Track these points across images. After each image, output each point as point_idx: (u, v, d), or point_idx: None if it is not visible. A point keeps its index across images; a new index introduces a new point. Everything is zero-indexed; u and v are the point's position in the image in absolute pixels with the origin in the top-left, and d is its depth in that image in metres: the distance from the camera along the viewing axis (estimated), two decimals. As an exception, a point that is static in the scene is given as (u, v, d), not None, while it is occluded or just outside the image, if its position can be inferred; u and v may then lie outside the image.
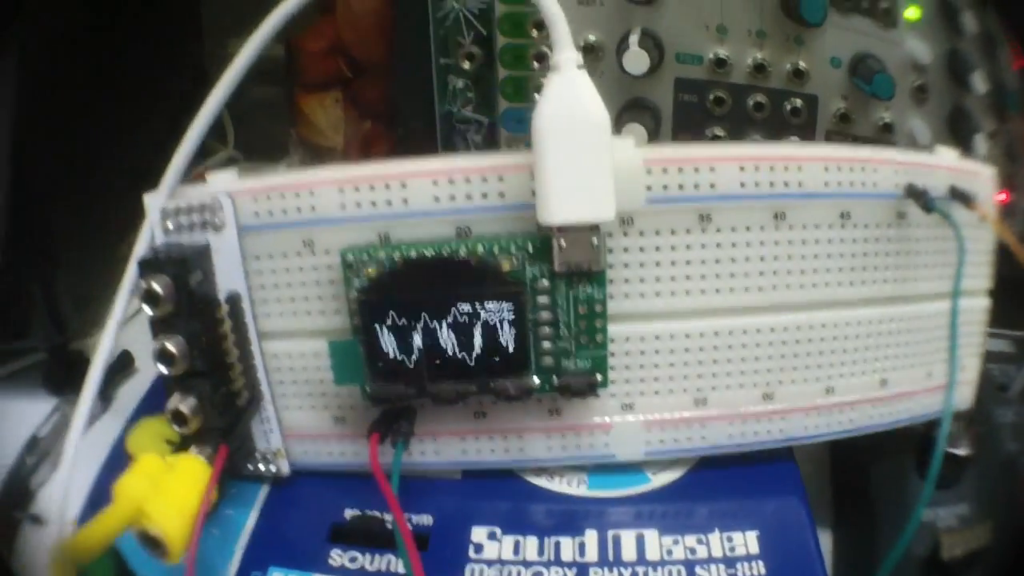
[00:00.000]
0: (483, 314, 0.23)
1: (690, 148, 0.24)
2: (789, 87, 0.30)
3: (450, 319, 0.23)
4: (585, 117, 0.22)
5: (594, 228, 0.22)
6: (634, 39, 0.29)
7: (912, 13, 0.32)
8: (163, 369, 0.24)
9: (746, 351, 0.25)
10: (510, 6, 0.29)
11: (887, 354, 0.27)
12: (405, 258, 0.23)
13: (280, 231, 0.24)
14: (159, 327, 0.24)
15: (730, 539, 0.24)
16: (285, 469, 0.26)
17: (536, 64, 0.29)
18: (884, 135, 0.32)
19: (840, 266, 0.26)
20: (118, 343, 0.33)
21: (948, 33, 0.32)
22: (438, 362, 0.23)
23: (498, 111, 0.29)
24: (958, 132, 0.33)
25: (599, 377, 0.23)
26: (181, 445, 0.25)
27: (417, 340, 0.23)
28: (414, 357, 0.23)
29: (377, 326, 0.23)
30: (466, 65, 0.29)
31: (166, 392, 0.25)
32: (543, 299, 0.23)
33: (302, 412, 0.25)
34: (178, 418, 0.24)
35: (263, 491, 0.26)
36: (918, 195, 0.25)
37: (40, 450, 0.32)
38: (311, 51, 0.32)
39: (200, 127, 0.25)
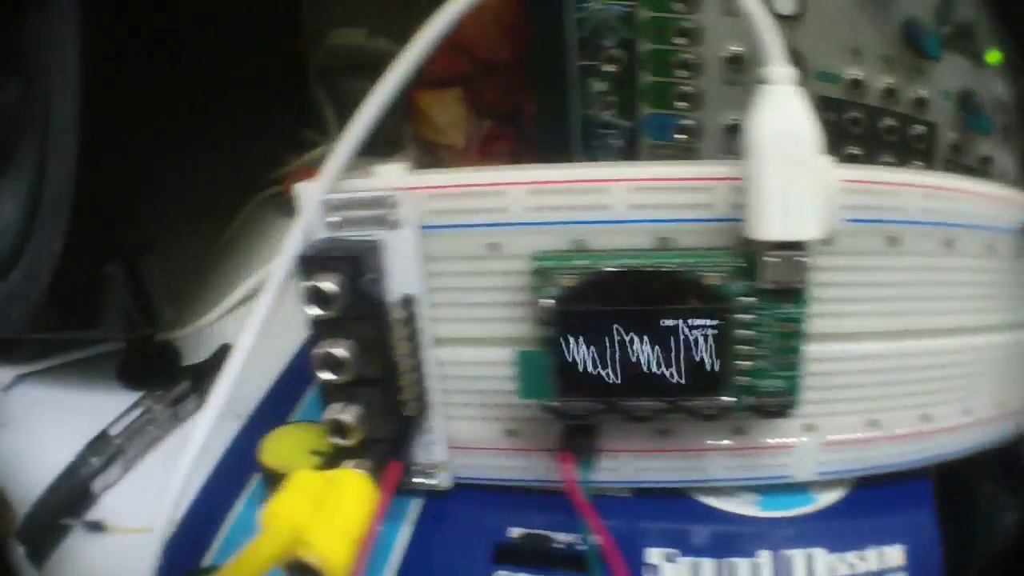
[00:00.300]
0: (685, 330, 0.22)
1: (881, 171, 0.24)
2: (913, 114, 0.30)
3: (650, 334, 0.22)
4: (801, 134, 0.21)
5: (801, 246, 0.22)
6: None
7: (993, 56, 0.32)
8: (328, 376, 0.22)
9: (914, 373, 0.25)
10: (654, 12, 0.27)
11: (1007, 376, 0.28)
12: (605, 268, 0.22)
13: (463, 232, 0.22)
14: (324, 330, 0.22)
15: (882, 554, 0.24)
16: (446, 483, 0.24)
17: (681, 72, 0.28)
18: (984, 168, 0.33)
19: (987, 294, 0.26)
20: (217, 337, 0.31)
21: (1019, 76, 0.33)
22: (634, 379, 0.22)
23: (640, 117, 0.28)
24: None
25: (792, 398, 0.23)
26: (334, 457, 0.23)
27: (613, 355, 0.22)
28: (609, 372, 0.22)
29: (571, 338, 0.22)
30: (608, 68, 0.27)
31: (325, 400, 0.23)
32: (745, 316, 0.22)
33: (471, 423, 0.24)
34: (338, 428, 0.23)
35: (415, 505, 0.24)
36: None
37: (110, 450, 0.29)
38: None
39: (368, 117, 0.23)
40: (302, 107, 0.40)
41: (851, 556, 0.24)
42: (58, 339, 0.33)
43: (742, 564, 0.24)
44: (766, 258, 0.22)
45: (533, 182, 0.22)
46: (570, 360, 0.22)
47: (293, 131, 0.39)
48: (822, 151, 0.21)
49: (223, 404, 0.23)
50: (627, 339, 0.22)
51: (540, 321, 0.22)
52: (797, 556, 0.24)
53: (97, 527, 0.29)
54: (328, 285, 0.21)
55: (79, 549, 0.29)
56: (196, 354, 0.31)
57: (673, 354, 0.22)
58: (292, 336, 0.27)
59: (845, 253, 0.23)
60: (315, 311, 0.22)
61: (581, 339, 0.22)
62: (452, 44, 0.30)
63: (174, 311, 0.30)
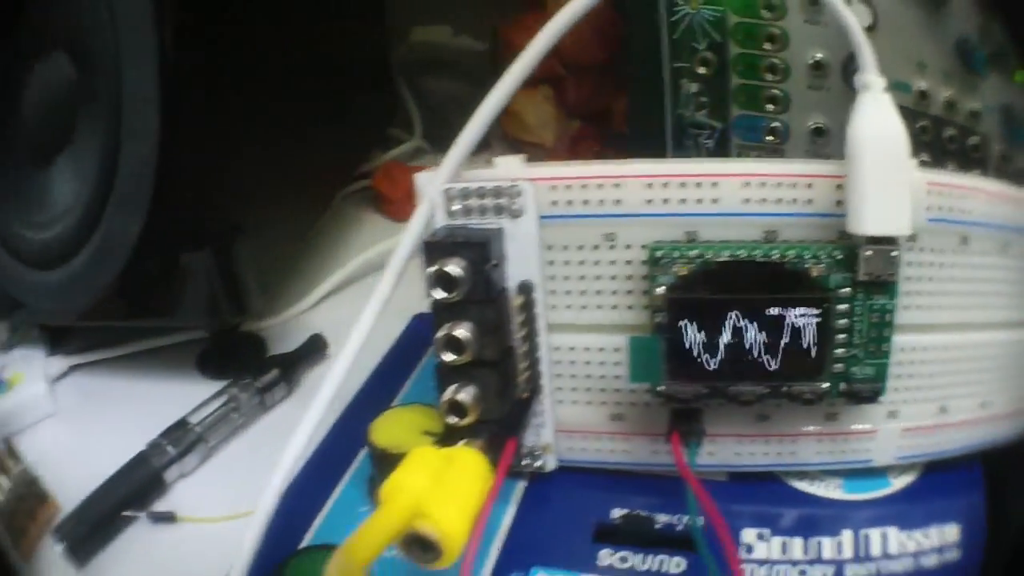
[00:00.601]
0: (789, 318, 0.23)
1: (953, 175, 0.25)
2: (969, 125, 0.32)
3: (757, 321, 0.23)
4: (895, 137, 0.23)
5: (893, 241, 0.23)
6: None
7: (1020, 76, 0.35)
8: (449, 357, 0.23)
9: (977, 363, 0.27)
10: (742, 17, 0.29)
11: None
12: (717, 258, 0.23)
13: (580, 222, 0.23)
14: (446, 314, 0.23)
15: (942, 532, 0.26)
16: (551, 465, 0.25)
17: (769, 75, 0.29)
18: (1020, 179, 0.35)
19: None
20: (307, 327, 0.31)
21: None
22: (740, 364, 0.23)
23: (730, 118, 0.30)
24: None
25: (881, 385, 0.24)
26: (446, 437, 0.24)
27: (723, 341, 0.23)
28: (718, 358, 0.23)
29: (684, 325, 0.23)
30: (701, 70, 0.29)
31: (442, 381, 0.23)
32: (843, 307, 0.24)
33: (577, 407, 0.25)
34: (456, 409, 0.23)
35: (519, 486, 0.25)
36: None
37: (189, 437, 0.29)
38: (522, 46, 0.31)
39: (491, 108, 0.24)
40: (388, 104, 0.40)
41: (918, 534, 0.26)
42: (118, 328, 0.32)
43: (827, 542, 0.25)
44: (863, 251, 0.23)
45: (650, 175, 0.23)
46: (681, 346, 0.23)
47: (380, 127, 0.39)
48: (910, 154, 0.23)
49: (336, 389, 0.24)
50: (735, 326, 0.23)
51: (654, 308, 0.23)
52: (874, 535, 0.25)
53: (167, 518, 0.29)
54: (455, 270, 0.22)
55: (139, 542, 0.29)
56: (279, 344, 0.31)
57: (778, 341, 0.23)
58: (386, 325, 0.28)
59: (926, 250, 0.25)
60: (441, 295, 0.22)
61: (692, 325, 0.23)
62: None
63: (264, 301, 0.30)
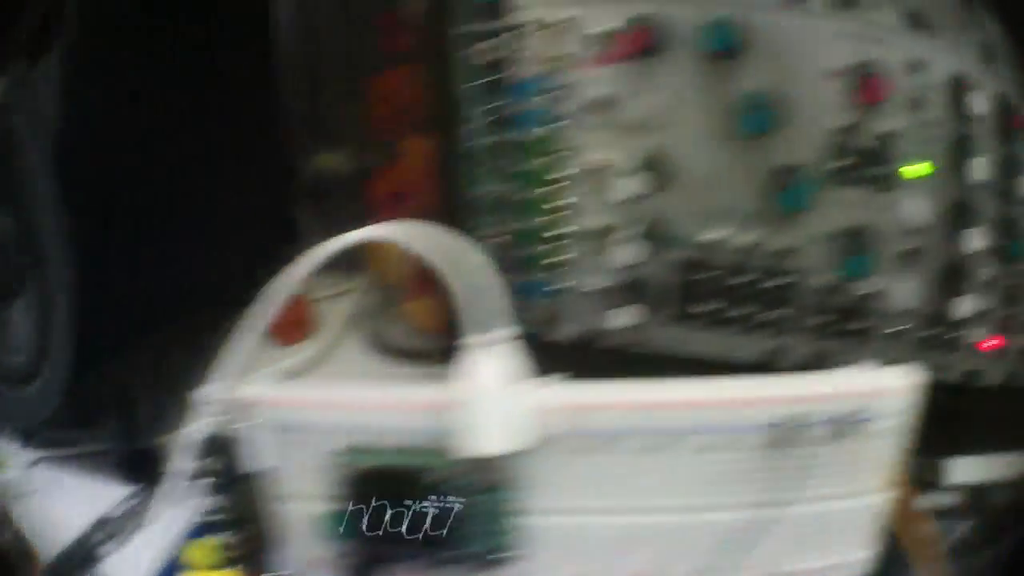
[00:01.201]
0: (429, 507, 0.33)
1: (587, 394, 0.33)
2: (778, 265, 0.35)
3: (406, 509, 0.33)
4: (498, 379, 0.32)
5: (499, 456, 0.32)
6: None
7: (919, 169, 0.34)
8: (207, 519, 0.35)
9: (616, 542, 0.35)
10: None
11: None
12: (376, 463, 0.33)
13: (295, 431, 0.35)
14: (210, 490, 0.35)
15: None
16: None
17: None
18: (864, 307, 0.35)
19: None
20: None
21: (953, 185, 0.34)
22: (394, 536, 0.34)
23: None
24: (950, 287, 0.35)
25: (505, 553, 0.34)
26: (229, 563, 0.36)
27: (383, 520, 0.34)
28: (381, 531, 0.34)
29: (359, 508, 0.34)
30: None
31: (212, 531, 0.36)
32: (465, 499, 0.33)
33: (296, 550, 0.36)
34: (217, 549, 0.36)
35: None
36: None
37: (109, 530, 0.43)
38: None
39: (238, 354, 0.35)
40: (286, 227, 0.49)
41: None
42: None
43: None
44: (476, 464, 0.32)
45: (333, 402, 0.34)
46: (356, 521, 0.34)
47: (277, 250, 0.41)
48: (526, 381, 0.32)
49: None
50: (390, 511, 0.33)
51: (337, 492, 0.34)
52: None
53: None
54: (217, 461, 0.34)
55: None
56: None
57: (420, 524, 0.33)
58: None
59: (551, 454, 0.33)
60: (205, 480, 0.35)
61: (362, 508, 0.34)
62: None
63: (158, 424, 0.42)
